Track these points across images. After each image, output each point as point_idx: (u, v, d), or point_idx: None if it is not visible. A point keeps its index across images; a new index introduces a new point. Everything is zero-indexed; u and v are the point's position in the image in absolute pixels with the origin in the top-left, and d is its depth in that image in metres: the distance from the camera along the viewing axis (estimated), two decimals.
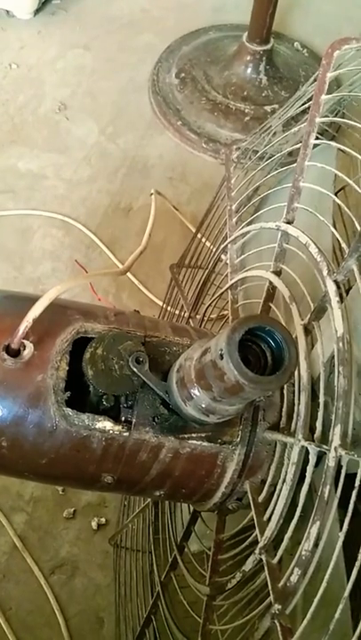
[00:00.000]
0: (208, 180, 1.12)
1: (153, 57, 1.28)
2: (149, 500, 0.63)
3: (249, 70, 1.14)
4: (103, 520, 0.80)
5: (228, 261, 0.56)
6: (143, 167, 1.14)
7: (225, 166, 0.62)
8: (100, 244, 1.03)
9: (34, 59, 1.30)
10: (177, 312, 0.77)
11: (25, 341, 0.38)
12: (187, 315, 0.66)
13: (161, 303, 0.96)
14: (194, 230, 1.03)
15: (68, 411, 0.39)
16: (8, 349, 0.38)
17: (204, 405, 0.35)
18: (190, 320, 0.65)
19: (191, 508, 0.52)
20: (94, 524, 0.79)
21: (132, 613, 0.61)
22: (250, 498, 0.41)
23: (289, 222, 0.45)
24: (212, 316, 0.66)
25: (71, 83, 1.26)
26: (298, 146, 0.50)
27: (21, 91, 1.25)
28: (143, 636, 0.55)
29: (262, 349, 0.33)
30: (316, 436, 0.36)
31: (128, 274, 0.97)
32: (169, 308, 0.80)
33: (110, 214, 1.08)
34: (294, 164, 0.48)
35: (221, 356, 0.30)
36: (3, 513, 0.79)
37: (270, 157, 0.58)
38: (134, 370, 0.38)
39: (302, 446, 0.36)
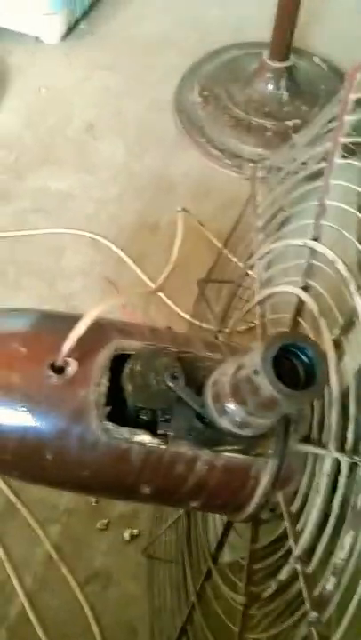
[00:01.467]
0: (232, 195, 1.14)
1: (176, 76, 1.32)
2: (182, 511, 0.65)
3: (270, 87, 1.16)
4: (136, 531, 0.81)
5: (255, 276, 0.58)
6: (169, 184, 1.17)
7: (250, 183, 0.64)
8: (129, 261, 1.06)
9: (62, 81, 1.35)
10: (204, 325, 0.79)
11: (69, 359, 0.40)
12: (215, 329, 0.68)
13: (188, 317, 0.98)
14: (219, 245, 1.05)
15: (109, 425, 0.40)
16: (53, 367, 0.40)
17: (238, 419, 0.36)
18: (219, 334, 0.67)
19: (224, 519, 0.53)
20: (127, 535, 0.81)
21: (168, 625, 0.62)
22: (283, 508, 0.42)
23: (315, 239, 0.47)
24: (239, 329, 0.68)
25: (98, 103, 1.31)
26: (322, 165, 0.52)
27: (51, 113, 1.29)
28: None
29: (294, 364, 0.34)
30: (347, 447, 0.37)
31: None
32: (196, 322, 0.82)
33: (138, 231, 1.11)
34: (319, 183, 0.50)
35: (256, 372, 0.32)
36: (38, 524, 0.82)
37: (294, 174, 0.60)
38: (170, 385, 0.40)
39: (334, 458, 0.37)
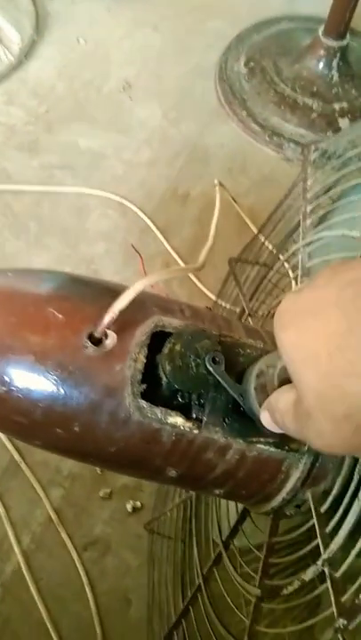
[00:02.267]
0: (268, 174, 1.10)
1: (222, 43, 1.26)
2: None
3: (321, 65, 1.11)
4: (138, 504, 0.81)
5: (297, 264, 0.56)
6: (204, 155, 1.13)
7: (302, 166, 0.61)
8: (155, 230, 1.03)
9: (102, 35, 1.30)
10: (230, 307, 0.77)
11: (108, 331, 0.38)
12: (246, 312, 0.66)
13: (210, 294, 0.96)
14: (250, 223, 1.03)
15: (143, 403, 0.39)
16: (90, 337, 0.38)
17: None
18: (250, 318, 0.65)
19: (239, 507, 0.52)
20: (129, 507, 0.81)
21: (166, 600, 0.62)
22: (312, 508, 0.41)
23: None
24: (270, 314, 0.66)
25: (137, 63, 1.26)
26: None
27: (87, 67, 1.24)
28: (179, 625, 0.55)
29: None
30: None
31: (180, 263, 0.97)
32: (222, 303, 0.80)
33: (167, 200, 1.08)
34: None
35: None
36: (41, 486, 0.81)
37: (350, 161, 0.57)
38: (210, 369, 0.39)
39: None
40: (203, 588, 0.52)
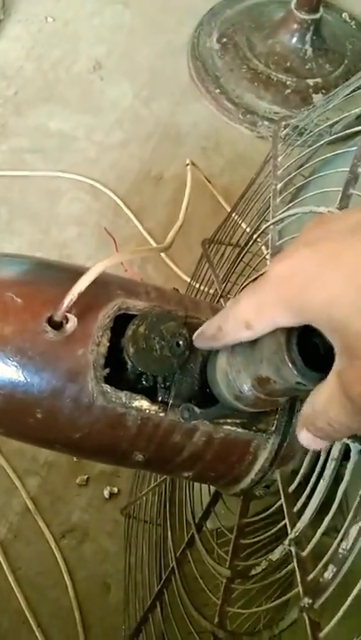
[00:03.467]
0: (243, 152, 1.09)
1: (194, 19, 1.23)
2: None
3: (294, 40, 1.09)
4: (115, 489, 0.81)
5: (268, 242, 0.55)
6: (176, 135, 1.11)
7: (272, 142, 0.60)
8: (128, 212, 1.02)
9: (70, 13, 1.26)
10: (205, 289, 0.76)
11: (69, 315, 0.37)
12: (218, 294, 0.65)
13: (185, 277, 0.95)
14: (225, 204, 1.01)
15: (107, 387, 0.38)
16: (50, 321, 0.37)
17: (251, 400, 0.34)
18: (222, 299, 0.64)
19: (212, 489, 0.52)
20: (106, 493, 0.80)
21: (141, 584, 0.62)
22: (280, 487, 0.40)
23: (342, 209, 0.43)
24: None
25: (108, 41, 1.22)
26: (355, 129, 0.48)
27: (56, 46, 1.21)
28: (154, 608, 0.55)
29: (314, 342, 0.32)
30: (359, 434, 0.35)
31: (154, 245, 0.96)
32: (196, 285, 0.79)
33: (140, 181, 1.06)
34: (351, 148, 0.46)
35: (282, 361, 0.29)
36: (17, 475, 0.80)
37: (320, 137, 0.56)
38: (175, 352, 0.38)
39: (344, 443, 0.35)
40: (176, 570, 0.52)
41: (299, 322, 0.26)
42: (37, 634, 0.72)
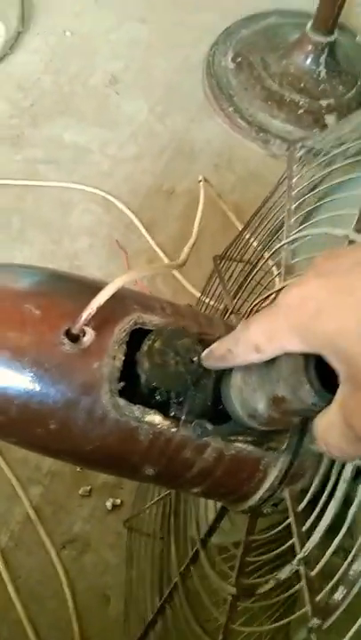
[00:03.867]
0: (254, 170, 1.10)
1: (211, 37, 1.26)
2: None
3: (309, 61, 1.11)
4: (118, 501, 0.80)
5: (281, 261, 0.56)
6: (190, 151, 1.13)
7: (287, 163, 0.61)
8: (140, 226, 1.02)
9: (88, 27, 1.28)
10: (215, 304, 0.76)
11: (86, 328, 0.38)
12: (229, 310, 0.66)
13: (195, 291, 0.96)
14: (236, 220, 1.02)
15: (121, 401, 0.38)
16: (68, 334, 0.38)
17: (264, 419, 0.34)
18: (232, 315, 0.65)
19: (218, 505, 0.52)
20: (109, 505, 0.80)
21: (143, 598, 0.62)
22: (289, 506, 0.40)
23: (359, 231, 0.44)
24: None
25: (124, 56, 1.24)
26: None
27: (73, 60, 1.23)
28: (155, 624, 0.55)
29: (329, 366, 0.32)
30: None
31: (165, 259, 0.97)
32: (206, 300, 0.79)
33: (152, 196, 1.07)
34: None
35: (299, 382, 0.29)
36: (20, 483, 0.80)
37: (336, 158, 0.57)
38: (190, 368, 0.38)
39: (356, 464, 0.36)
40: (179, 586, 0.52)
41: (307, 349, 0.27)
42: None
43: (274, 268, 0.66)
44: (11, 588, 0.74)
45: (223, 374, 0.39)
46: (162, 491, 0.67)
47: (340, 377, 0.26)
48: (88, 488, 0.81)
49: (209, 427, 0.39)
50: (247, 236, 0.73)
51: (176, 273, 0.98)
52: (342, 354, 0.25)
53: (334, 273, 0.26)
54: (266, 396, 0.33)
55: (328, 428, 0.28)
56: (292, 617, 0.36)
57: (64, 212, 1.04)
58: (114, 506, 0.80)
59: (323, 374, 0.29)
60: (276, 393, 0.32)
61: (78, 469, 0.82)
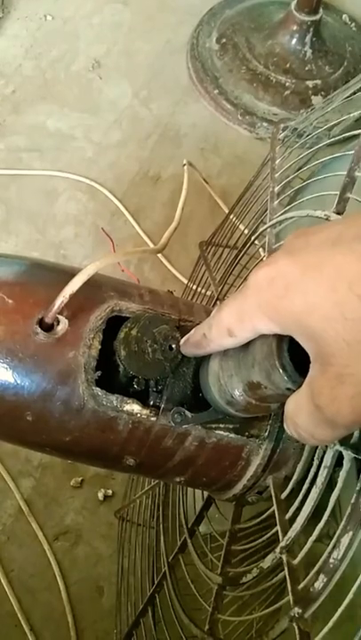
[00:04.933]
0: (241, 153, 1.08)
1: (194, 19, 1.23)
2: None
3: (294, 41, 1.08)
4: (110, 492, 0.80)
5: (265, 245, 0.54)
6: (175, 135, 1.11)
7: (270, 145, 0.59)
8: (126, 213, 1.01)
9: (70, 11, 1.25)
10: (202, 290, 0.75)
11: (59, 316, 0.36)
12: (215, 296, 0.65)
13: (183, 278, 0.95)
14: (222, 205, 1.01)
15: (98, 390, 0.37)
16: (41, 323, 0.37)
17: (242, 406, 0.34)
18: (219, 302, 0.64)
19: (205, 494, 0.51)
20: (100, 495, 0.80)
21: (134, 587, 0.62)
22: (272, 494, 0.40)
23: (339, 213, 0.43)
24: None
25: (107, 40, 1.22)
26: (354, 132, 0.47)
27: (55, 44, 1.20)
28: (146, 613, 0.55)
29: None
30: (352, 441, 0.35)
31: (151, 245, 0.95)
32: (193, 286, 0.78)
33: (138, 182, 1.05)
34: (349, 152, 0.45)
35: (272, 367, 0.28)
36: (11, 476, 0.80)
37: (318, 139, 0.56)
38: (167, 356, 0.37)
39: (336, 450, 0.35)
40: (168, 575, 0.52)
41: (277, 329, 0.26)
42: (30, 637, 0.71)
43: (261, 252, 0.65)
44: (4, 581, 0.74)
45: (202, 361, 0.38)
46: (152, 480, 0.66)
47: (310, 356, 0.25)
48: (79, 479, 0.81)
49: (188, 414, 0.38)
50: (233, 221, 0.71)
51: (163, 259, 0.97)
52: (310, 332, 0.24)
53: (304, 250, 0.24)
54: (242, 381, 0.32)
55: (296, 410, 0.27)
56: (276, 605, 0.36)
57: (49, 200, 1.02)
58: (105, 497, 0.80)
59: (299, 360, 0.28)
60: (252, 378, 0.31)
61: (69, 461, 0.81)
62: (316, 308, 0.23)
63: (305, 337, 0.25)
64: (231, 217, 0.72)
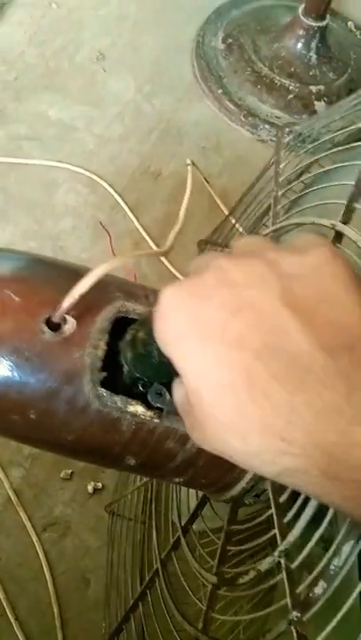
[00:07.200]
0: (242, 154, 1.09)
1: (201, 17, 1.23)
2: None
3: (299, 45, 1.09)
4: (100, 485, 0.81)
5: None
6: (177, 132, 1.11)
7: (275, 148, 0.60)
8: (125, 208, 1.01)
9: (76, 1, 1.24)
10: None
11: (67, 316, 0.37)
12: None
13: (180, 275, 0.95)
14: (222, 204, 1.01)
15: (103, 391, 0.38)
16: (48, 322, 0.37)
17: None
18: None
19: (200, 493, 0.52)
20: (90, 488, 0.80)
21: (123, 582, 0.62)
22: (271, 498, 0.40)
23: (345, 222, 0.44)
24: None
25: (112, 32, 1.21)
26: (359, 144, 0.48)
27: (59, 33, 1.19)
28: (136, 608, 0.56)
29: None
30: None
31: (150, 242, 0.95)
32: None
33: (138, 177, 1.05)
34: (356, 162, 0.46)
35: None
36: (0, 466, 0.80)
37: (325, 146, 0.56)
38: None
39: None
40: (160, 572, 0.52)
41: None
42: (15, 627, 0.72)
43: None
44: None
45: None
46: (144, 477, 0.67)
47: None
48: (69, 471, 0.81)
49: (167, 396, 0.38)
50: (232, 222, 0.72)
51: (162, 258, 0.97)
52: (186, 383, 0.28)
53: (196, 296, 0.27)
54: None
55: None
56: (272, 608, 0.36)
57: (48, 191, 1.02)
58: (95, 489, 0.80)
59: None
60: None
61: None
62: (190, 368, 0.28)
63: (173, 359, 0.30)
64: (232, 220, 0.73)
